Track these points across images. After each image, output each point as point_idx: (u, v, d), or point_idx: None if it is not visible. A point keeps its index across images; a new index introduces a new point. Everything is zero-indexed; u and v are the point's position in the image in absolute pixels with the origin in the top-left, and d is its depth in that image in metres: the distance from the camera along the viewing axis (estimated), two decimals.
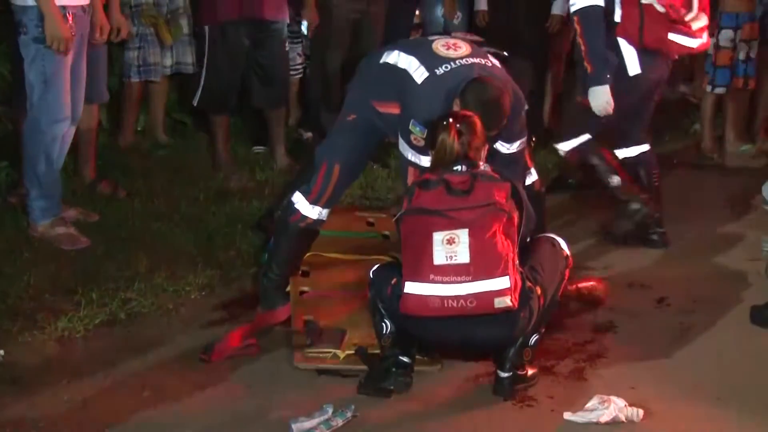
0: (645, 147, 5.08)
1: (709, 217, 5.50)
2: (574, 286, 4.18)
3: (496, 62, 3.84)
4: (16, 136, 4.98)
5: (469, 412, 3.40)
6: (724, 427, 3.34)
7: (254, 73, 5.76)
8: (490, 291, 3.29)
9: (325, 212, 4.03)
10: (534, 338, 3.54)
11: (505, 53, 4.05)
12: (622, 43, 4.78)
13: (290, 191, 4.17)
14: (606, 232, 5.18)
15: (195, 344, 3.83)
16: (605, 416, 3.30)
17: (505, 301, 3.29)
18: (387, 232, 4.82)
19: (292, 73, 6.31)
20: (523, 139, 3.89)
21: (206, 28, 5.65)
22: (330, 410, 3.29)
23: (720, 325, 4.13)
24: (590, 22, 4.70)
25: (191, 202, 5.31)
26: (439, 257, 3.32)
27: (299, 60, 6.49)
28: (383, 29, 6.25)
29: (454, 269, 3.30)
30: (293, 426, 3.24)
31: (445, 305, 3.31)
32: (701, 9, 4.87)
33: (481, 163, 3.49)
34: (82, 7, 4.59)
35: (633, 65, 4.79)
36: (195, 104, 5.83)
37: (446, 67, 3.69)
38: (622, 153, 5.09)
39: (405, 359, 3.53)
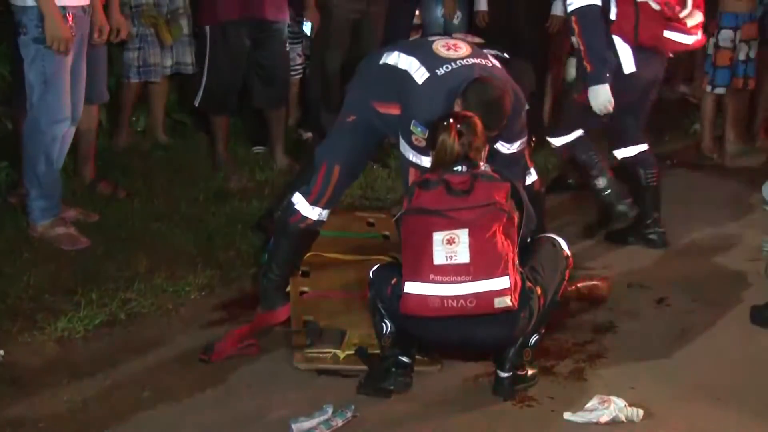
0: (643, 146, 5.09)
1: (709, 217, 5.50)
2: (574, 287, 4.18)
3: (496, 63, 3.85)
4: (16, 136, 4.98)
5: (469, 412, 3.40)
6: (724, 427, 3.34)
7: (255, 74, 5.75)
8: (490, 291, 3.29)
9: (325, 213, 4.03)
10: (534, 338, 3.54)
11: (506, 55, 4.06)
12: (617, 41, 4.78)
13: (290, 192, 4.17)
14: (606, 233, 5.19)
15: (195, 344, 3.83)
16: (605, 416, 3.30)
17: (505, 301, 3.29)
18: (387, 233, 4.82)
19: (291, 73, 6.31)
20: (524, 139, 3.89)
21: (207, 28, 5.65)
22: (330, 410, 3.29)
23: (720, 325, 4.14)
24: (588, 21, 4.70)
25: (191, 202, 5.31)
26: (439, 257, 3.32)
27: (299, 60, 6.48)
28: (383, 29, 6.25)
29: (454, 269, 3.30)
30: (293, 426, 3.24)
31: (445, 305, 3.31)
32: (695, 6, 4.88)
33: (481, 163, 3.49)
34: (82, 7, 4.59)
35: (628, 63, 4.80)
36: (196, 105, 5.83)
37: (447, 68, 3.69)
38: (620, 153, 5.09)
39: (405, 359, 3.53)
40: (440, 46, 3.80)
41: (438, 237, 3.33)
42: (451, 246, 3.32)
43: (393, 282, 3.46)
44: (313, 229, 4.07)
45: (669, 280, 4.58)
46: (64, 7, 4.45)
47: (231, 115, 5.95)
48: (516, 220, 3.42)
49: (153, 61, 6.01)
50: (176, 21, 6.02)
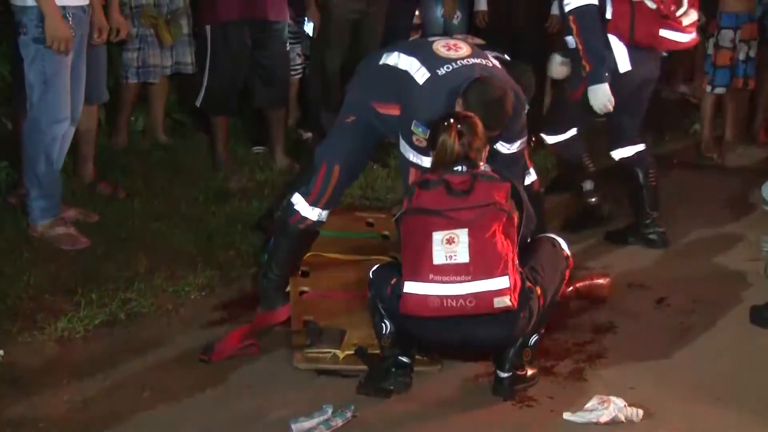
0: (641, 146, 5.09)
1: (709, 217, 5.50)
2: (573, 288, 4.18)
3: (497, 63, 3.85)
4: (16, 136, 4.98)
5: (469, 412, 3.40)
6: (724, 427, 3.34)
7: (255, 74, 5.75)
8: (490, 291, 3.29)
9: (324, 213, 4.03)
10: (534, 339, 3.54)
11: (507, 57, 4.06)
12: (613, 39, 4.79)
13: (290, 192, 4.17)
14: (606, 233, 5.19)
15: (195, 344, 3.83)
16: (605, 416, 3.30)
17: (505, 301, 3.29)
18: (386, 233, 4.82)
19: (291, 73, 6.31)
20: (523, 140, 3.90)
21: (207, 28, 5.64)
22: (330, 410, 3.29)
23: (720, 325, 4.14)
24: (586, 20, 4.71)
25: (191, 202, 5.30)
26: (439, 257, 3.32)
27: (299, 60, 6.49)
28: (383, 29, 6.25)
29: (454, 269, 3.30)
30: (293, 426, 3.24)
31: (445, 305, 3.31)
32: (691, 4, 4.89)
33: (481, 163, 3.49)
34: (81, 7, 4.59)
35: (623, 62, 4.81)
36: (198, 105, 5.82)
37: (448, 68, 3.69)
38: (617, 154, 5.10)
39: (405, 359, 3.53)
40: (440, 46, 3.80)
41: (438, 237, 3.33)
42: (450, 246, 3.32)
43: (393, 282, 3.46)
44: (313, 229, 4.07)
45: (669, 280, 4.58)
46: (64, 7, 4.45)
47: (232, 115, 5.95)
48: (516, 220, 3.42)
49: (152, 62, 6.01)
50: (176, 21, 6.02)
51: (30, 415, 3.33)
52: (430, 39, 4.01)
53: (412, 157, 3.74)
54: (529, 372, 3.55)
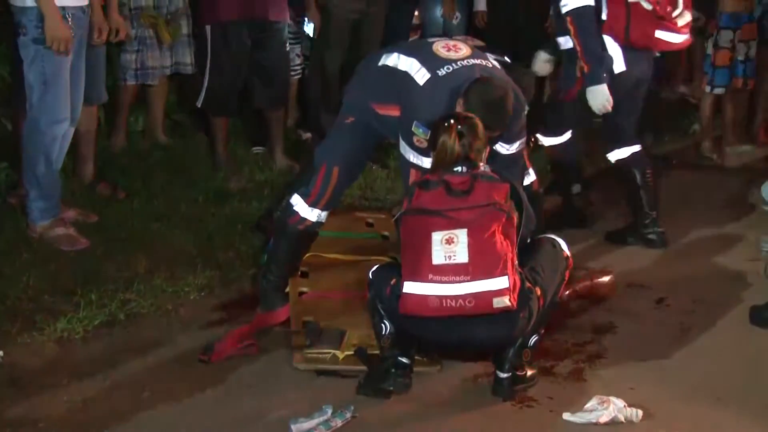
0: (636, 147, 5.09)
1: (709, 217, 5.51)
2: (572, 290, 4.17)
3: (496, 64, 3.85)
4: (15, 136, 4.98)
5: (469, 412, 3.40)
6: (724, 427, 3.34)
7: (255, 74, 5.75)
8: (489, 291, 3.29)
9: (324, 214, 4.03)
10: (533, 339, 3.53)
11: (507, 59, 4.06)
12: (608, 40, 4.80)
13: (289, 193, 4.17)
14: (606, 233, 5.19)
15: (194, 345, 3.83)
16: (604, 417, 3.30)
17: (504, 301, 3.29)
18: (386, 233, 4.82)
19: (291, 73, 6.31)
20: (523, 140, 3.90)
21: (207, 28, 5.63)
22: (329, 411, 3.29)
23: (720, 325, 4.13)
24: (584, 21, 4.73)
25: (190, 202, 5.30)
26: (438, 257, 3.32)
27: (298, 61, 6.49)
28: (382, 30, 6.25)
29: (453, 269, 3.30)
30: (292, 426, 3.24)
31: (444, 305, 3.31)
32: (686, 5, 4.90)
33: (481, 164, 3.49)
34: (81, 8, 4.59)
35: (618, 63, 4.82)
36: (198, 106, 5.81)
37: (448, 68, 3.69)
38: (614, 155, 5.10)
39: (404, 360, 3.53)
40: (440, 47, 3.80)
41: (437, 237, 3.33)
42: (450, 246, 3.32)
43: (392, 282, 3.46)
44: (312, 230, 4.07)
45: (669, 280, 4.58)
46: (63, 8, 4.45)
47: (233, 115, 5.94)
48: (515, 220, 3.42)
49: (151, 63, 6.00)
50: (175, 21, 6.02)
51: (30, 415, 3.32)
52: (430, 40, 4.01)
53: (413, 157, 3.73)
54: (529, 372, 3.54)
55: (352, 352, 3.69)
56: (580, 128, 5.23)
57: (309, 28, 6.27)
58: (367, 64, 4.03)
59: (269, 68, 5.74)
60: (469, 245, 3.31)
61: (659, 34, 4.84)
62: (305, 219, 4.00)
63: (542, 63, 5.29)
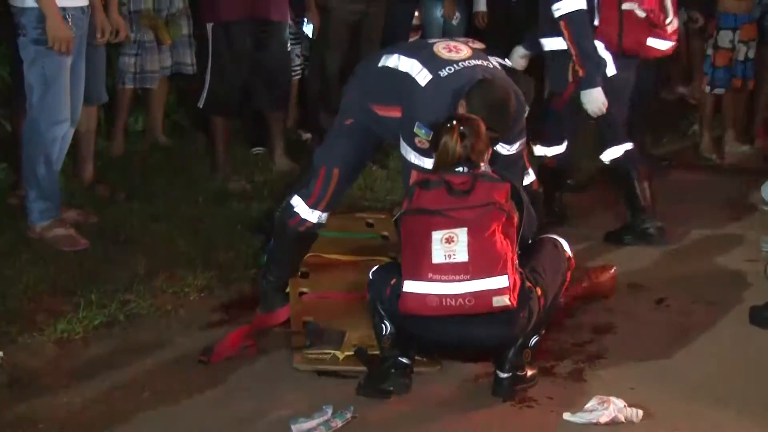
0: (629, 145, 5.11)
1: (709, 217, 5.51)
2: (572, 293, 4.17)
3: (497, 65, 3.85)
4: (15, 137, 4.98)
5: (469, 413, 3.40)
6: (724, 427, 3.33)
7: (256, 75, 5.74)
8: (489, 290, 3.29)
9: (324, 216, 4.02)
10: (534, 339, 3.53)
11: (509, 62, 4.06)
12: (599, 46, 4.82)
13: (290, 193, 4.17)
14: (606, 234, 5.19)
15: (194, 346, 3.82)
16: (604, 417, 3.29)
17: (504, 300, 3.29)
18: (386, 233, 4.82)
19: (291, 74, 6.31)
20: (523, 140, 3.89)
21: (209, 29, 5.62)
22: (329, 411, 3.29)
23: (720, 325, 4.13)
24: (577, 25, 4.75)
25: (190, 203, 5.30)
26: (438, 256, 3.32)
27: (298, 61, 6.49)
28: (382, 30, 6.25)
29: (453, 268, 3.30)
30: (293, 427, 3.24)
31: (444, 304, 3.31)
32: (674, 12, 4.95)
33: (482, 164, 3.49)
34: (81, 8, 4.59)
35: (609, 67, 4.85)
36: (200, 106, 5.81)
37: (450, 69, 3.68)
38: (607, 156, 5.12)
39: (404, 360, 3.53)
40: (441, 48, 3.79)
41: (437, 236, 3.33)
42: (449, 245, 3.32)
43: (392, 282, 3.46)
44: (312, 231, 4.06)
45: (669, 280, 4.58)
46: (63, 8, 4.45)
47: (234, 116, 5.93)
48: (515, 220, 3.42)
49: (150, 67, 6.01)
50: (175, 21, 6.02)
51: (30, 416, 3.32)
52: (430, 41, 4.01)
53: (414, 158, 3.73)
54: (529, 372, 3.54)
55: (352, 353, 3.68)
56: (578, 134, 5.25)
57: (308, 29, 6.27)
58: (367, 65, 4.02)
59: (270, 69, 5.73)
60: (469, 244, 3.31)
61: (651, 41, 4.89)
62: (306, 220, 4.00)
63: (518, 58, 5.31)
